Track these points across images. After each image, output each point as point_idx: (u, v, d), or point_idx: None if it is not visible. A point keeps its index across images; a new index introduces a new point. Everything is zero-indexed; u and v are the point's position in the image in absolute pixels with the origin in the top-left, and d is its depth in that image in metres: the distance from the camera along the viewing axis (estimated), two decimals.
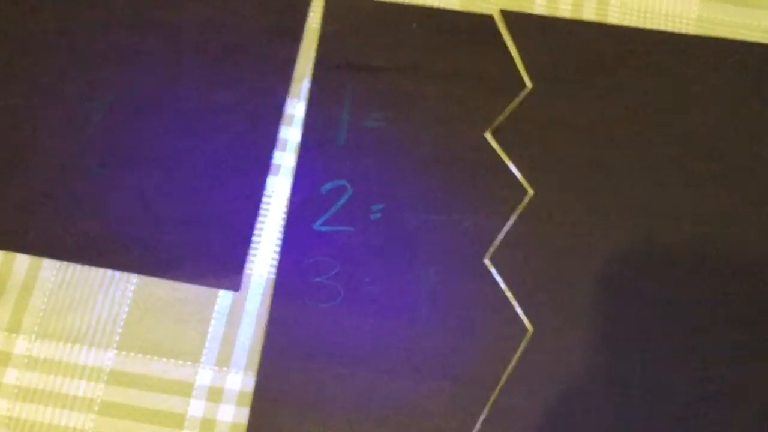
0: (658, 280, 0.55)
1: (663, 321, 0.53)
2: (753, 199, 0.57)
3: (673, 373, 0.52)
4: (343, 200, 0.56)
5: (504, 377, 0.51)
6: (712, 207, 0.56)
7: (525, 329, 0.53)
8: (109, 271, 0.53)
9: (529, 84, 0.59)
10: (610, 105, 0.59)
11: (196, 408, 0.50)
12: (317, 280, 0.54)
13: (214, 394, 0.51)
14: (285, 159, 0.57)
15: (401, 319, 0.53)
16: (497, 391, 0.51)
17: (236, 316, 0.52)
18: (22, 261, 0.54)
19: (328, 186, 0.56)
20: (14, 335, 0.52)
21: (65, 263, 0.53)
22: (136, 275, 0.53)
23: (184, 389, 0.51)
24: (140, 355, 0.51)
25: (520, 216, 0.56)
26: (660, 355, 0.53)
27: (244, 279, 0.53)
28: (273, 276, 0.53)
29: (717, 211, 0.56)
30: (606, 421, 0.51)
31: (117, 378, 0.51)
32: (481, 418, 0.50)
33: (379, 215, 0.56)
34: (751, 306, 0.54)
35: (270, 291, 0.53)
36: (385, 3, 0.62)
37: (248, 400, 0.50)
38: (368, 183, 0.56)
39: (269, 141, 0.57)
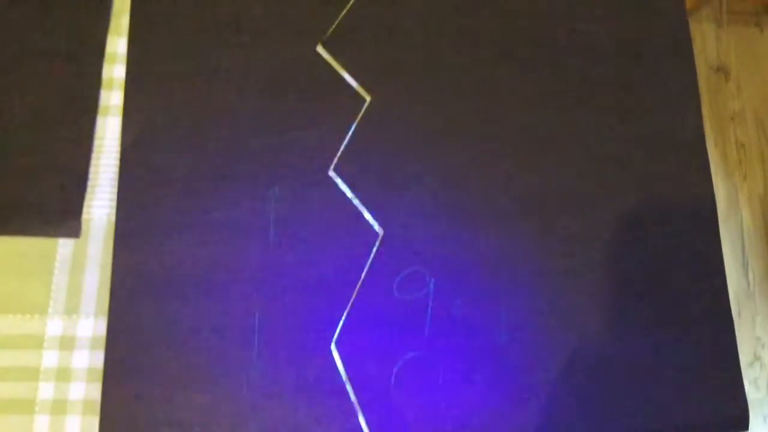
0: (494, 167, 0.56)
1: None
2: (581, 88, 0.58)
3: None
4: None
5: (360, 281, 0.52)
6: (543, 92, 0.58)
7: (376, 233, 0.53)
8: None
9: None
10: (436, 3, 0.59)
11: (50, 359, 0.49)
12: (158, 216, 0.53)
13: (67, 343, 0.50)
14: (112, 98, 0.55)
15: (250, 240, 0.52)
16: (355, 292, 0.52)
17: (80, 263, 0.51)
18: None
19: None
20: None
21: None
22: None
23: (36, 342, 0.49)
24: None
25: (360, 124, 0.55)
26: None
27: (83, 224, 0.52)
28: (113, 218, 0.52)
29: (547, 95, 0.58)
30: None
31: None
32: (342, 319, 0.51)
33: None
34: None
35: (111, 233, 0.52)
36: None
37: (102, 343, 0.49)
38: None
39: (94, 81, 0.55)
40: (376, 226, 0.53)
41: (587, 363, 0.51)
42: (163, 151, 0.54)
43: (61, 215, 0.51)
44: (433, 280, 0.52)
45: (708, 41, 0.64)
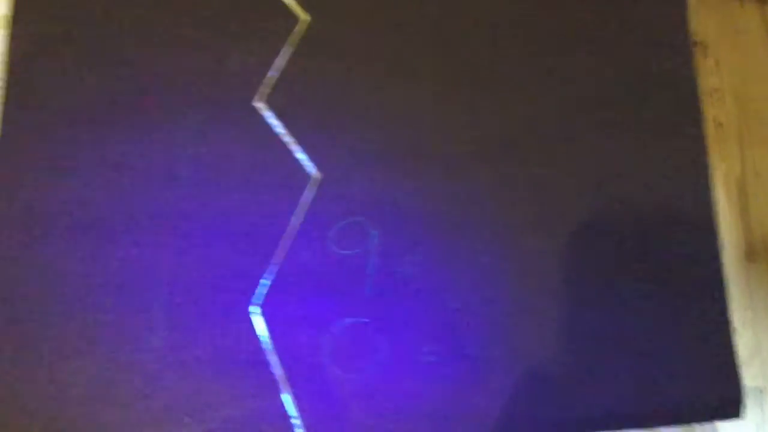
0: (451, 107, 0.47)
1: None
2: None
3: None
4: None
5: (288, 232, 0.43)
6: (510, 22, 0.49)
7: (310, 177, 0.44)
8: None
9: None
10: None
11: None
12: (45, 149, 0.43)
13: None
14: None
15: (156, 181, 0.43)
16: (283, 245, 0.43)
17: None
18: None
19: None
20: None
21: None
22: None
23: None
24: None
25: (296, 48, 0.46)
26: None
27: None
28: None
29: (514, 26, 0.49)
30: None
31: None
32: (266, 277, 0.42)
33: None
34: None
35: None
36: None
37: None
38: None
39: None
40: (311, 168, 0.44)
41: (563, 336, 0.43)
42: (56, 71, 0.44)
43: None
44: (376, 232, 0.44)
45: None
